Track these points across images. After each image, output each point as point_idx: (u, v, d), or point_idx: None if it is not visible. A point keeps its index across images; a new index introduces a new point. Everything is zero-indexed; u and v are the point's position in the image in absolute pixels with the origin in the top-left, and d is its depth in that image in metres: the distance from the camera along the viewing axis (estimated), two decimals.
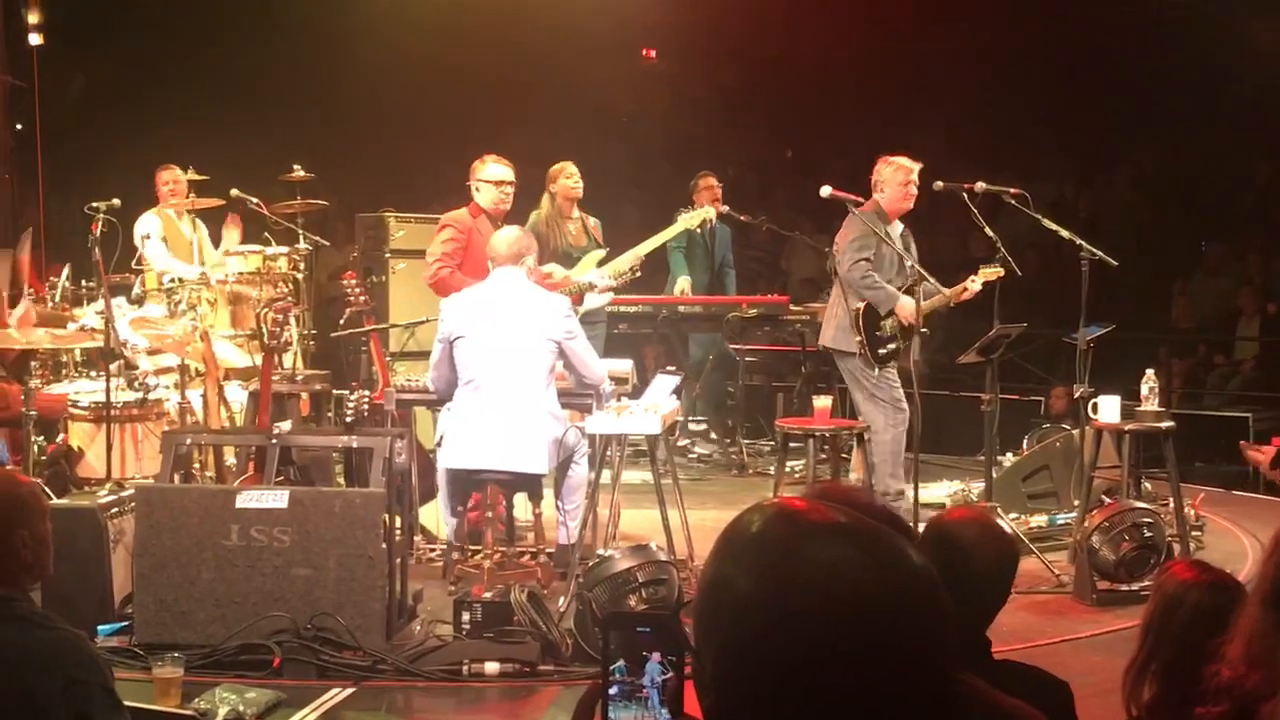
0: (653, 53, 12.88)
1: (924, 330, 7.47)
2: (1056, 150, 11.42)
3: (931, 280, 7.59)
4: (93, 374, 8.14)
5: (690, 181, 10.16)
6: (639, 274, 7.96)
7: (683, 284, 9.81)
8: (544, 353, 6.31)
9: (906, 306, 7.36)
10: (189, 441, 5.94)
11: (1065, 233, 7.69)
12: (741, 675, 1.31)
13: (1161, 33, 10.95)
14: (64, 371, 8.33)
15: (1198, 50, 10.75)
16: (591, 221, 8.41)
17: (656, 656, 2.95)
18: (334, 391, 7.82)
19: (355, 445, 5.64)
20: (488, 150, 8.11)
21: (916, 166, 7.65)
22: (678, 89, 11.79)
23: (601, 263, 8.04)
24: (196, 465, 7.05)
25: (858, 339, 7.37)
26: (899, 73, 11.52)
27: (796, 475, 8.31)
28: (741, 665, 1.31)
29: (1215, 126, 11.31)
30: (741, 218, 10.44)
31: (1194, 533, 7.61)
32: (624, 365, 8.78)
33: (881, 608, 1.28)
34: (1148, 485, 8.13)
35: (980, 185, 7.64)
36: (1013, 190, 7.72)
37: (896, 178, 7.58)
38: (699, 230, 10.20)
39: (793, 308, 9.94)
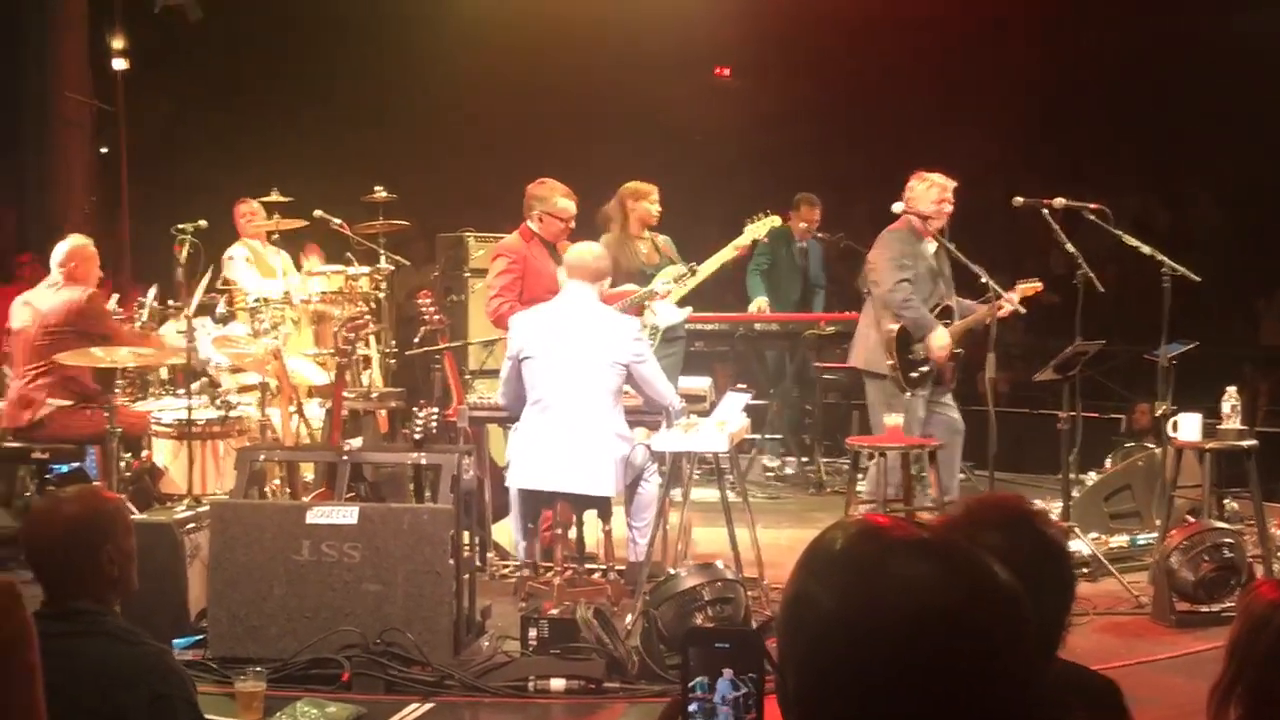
0: (726, 71, 12.88)
1: (958, 351, 7.42)
2: (1138, 164, 11.25)
3: (966, 301, 7.54)
4: (178, 392, 8.30)
5: (790, 198, 10.18)
6: (695, 269, 7.89)
7: (759, 303, 9.79)
8: (611, 374, 6.31)
9: (937, 345, 7.27)
10: (262, 458, 6.03)
11: (1146, 248, 7.57)
12: (824, 692, 1.32)
13: (1245, 46, 10.76)
14: (150, 390, 8.50)
15: None
16: (661, 239, 8.40)
17: (729, 673, 2.94)
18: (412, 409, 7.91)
19: (423, 462, 5.69)
20: (560, 170, 8.16)
21: (952, 184, 7.56)
22: (751, 106, 11.79)
23: (679, 278, 8.05)
24: (276, 481, 7.16)
25: (889, 362, 7.29)
26: (976, 86, 11.41)
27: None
28: (824, 682, 1.32)
29: None
30: (820, 235, 10.43)
31: (1279, 553, 7.46)
32: (702, 383, 8.80)
33: (965, 624, 1.28)
34: (1233, 505, 7.98)
35: (1060, 200, 7.55)
36: (1093, 205, 7.61)
37: (930, 195, 7.49)
38: (790, 249, 10.25)
39: None
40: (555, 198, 7.50)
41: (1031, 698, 1.32)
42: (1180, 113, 11.22)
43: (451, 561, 5.39)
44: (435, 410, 5.66)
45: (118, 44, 10.10)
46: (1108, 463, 8.65)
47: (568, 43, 11.40)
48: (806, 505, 9.41)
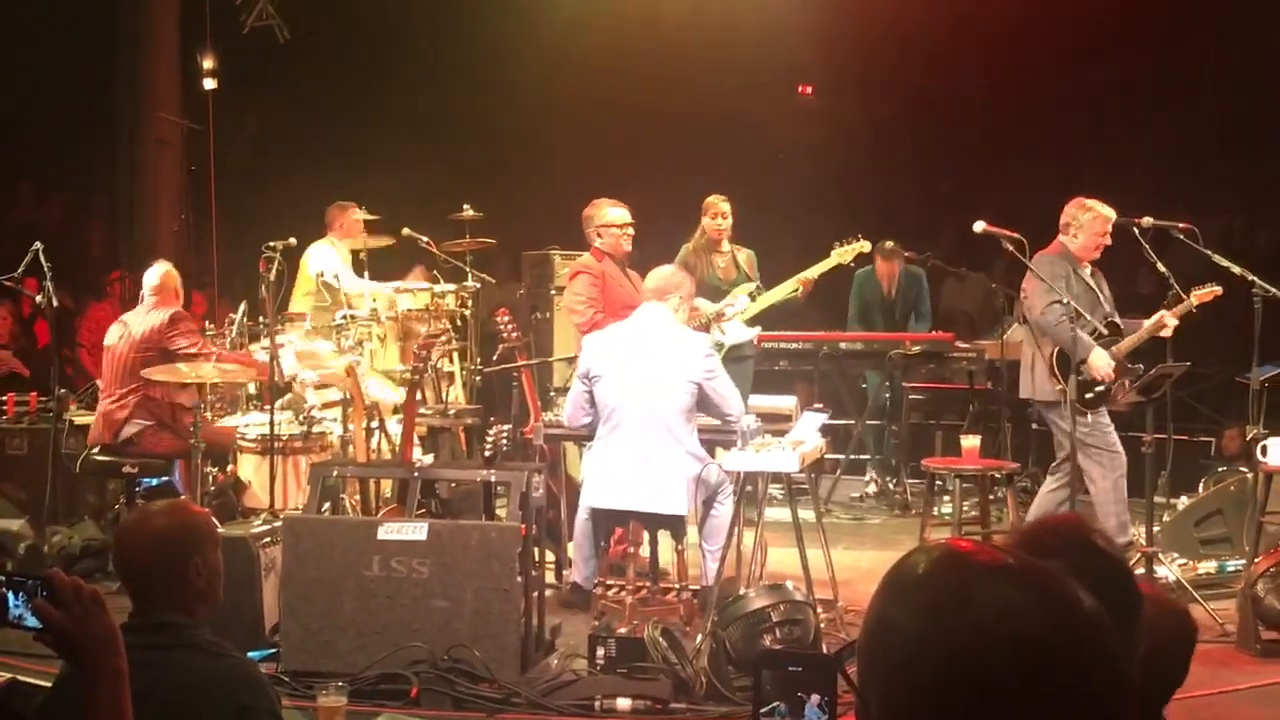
0: (809, 89, 12.84)
1: (1138, 366, 7.24)
2: (1226, 183, 11.02)
3: (1131, 321, 7.39)
4: (265, 407, 8.43)
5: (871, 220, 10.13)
6: (760, 289, 7.88)
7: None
8: (683, 393, 6.30)
9: (1099, 365, 7.11)
10: (335, 473, 6.11)
11: (1237, 268, 7.42)
12: (908, 713, 1.31)
13: None
14: (239, 405, 8.65)
15: None
16: (744, 254, 8.39)
17: (815, 699, 2.94)
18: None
19: (493, 479, 5.72)
20: (643, 188, 8.21)
21: (1114, 216, 7.41)
22: (834, 124, 11.73)
23: (755, 294, 8.05)
24: (358, 496, 7.25)
25: (1059, 387, 7.13)
26: (1060, 103, 11.26)
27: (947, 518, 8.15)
28: (909, 707, 1.31)
29: None
30: (906, 254, 10.34)
31: None
32: (787, 402, 8.76)
33: (1050, 650, 1.27)
34: None
35: (1148, 220, 7.42)
36: (1181, 225, 7.48)
37: (1094, 226, 7.32)
38: (879, 292, 10.21)
39: (959, 345, 9.79)
40: (604, 210, 7.63)
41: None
42: (1269, 127, 11.00)
43: (520, 579, 5.40)
44: (506, 428, 5.68)
45: (208, 64, 10.32)
46: (1201, 487, 8.47)
47: (651, 62, 11.43)
48: (890, 527, 9.33)
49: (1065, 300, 7.15)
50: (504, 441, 5.66)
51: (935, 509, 8.00)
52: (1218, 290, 7.28)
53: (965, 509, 7.26)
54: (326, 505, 5.91)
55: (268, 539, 5.88)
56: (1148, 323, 7.32)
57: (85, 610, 2.18)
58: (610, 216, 7.61)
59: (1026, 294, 7.24)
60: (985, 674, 1.26)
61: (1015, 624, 1.28)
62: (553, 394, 8.25)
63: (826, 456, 10.35)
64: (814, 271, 8.20)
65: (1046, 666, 1.27)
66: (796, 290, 8.12)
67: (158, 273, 7.73)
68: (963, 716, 1.27)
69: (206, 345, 7.56)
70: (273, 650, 5.65)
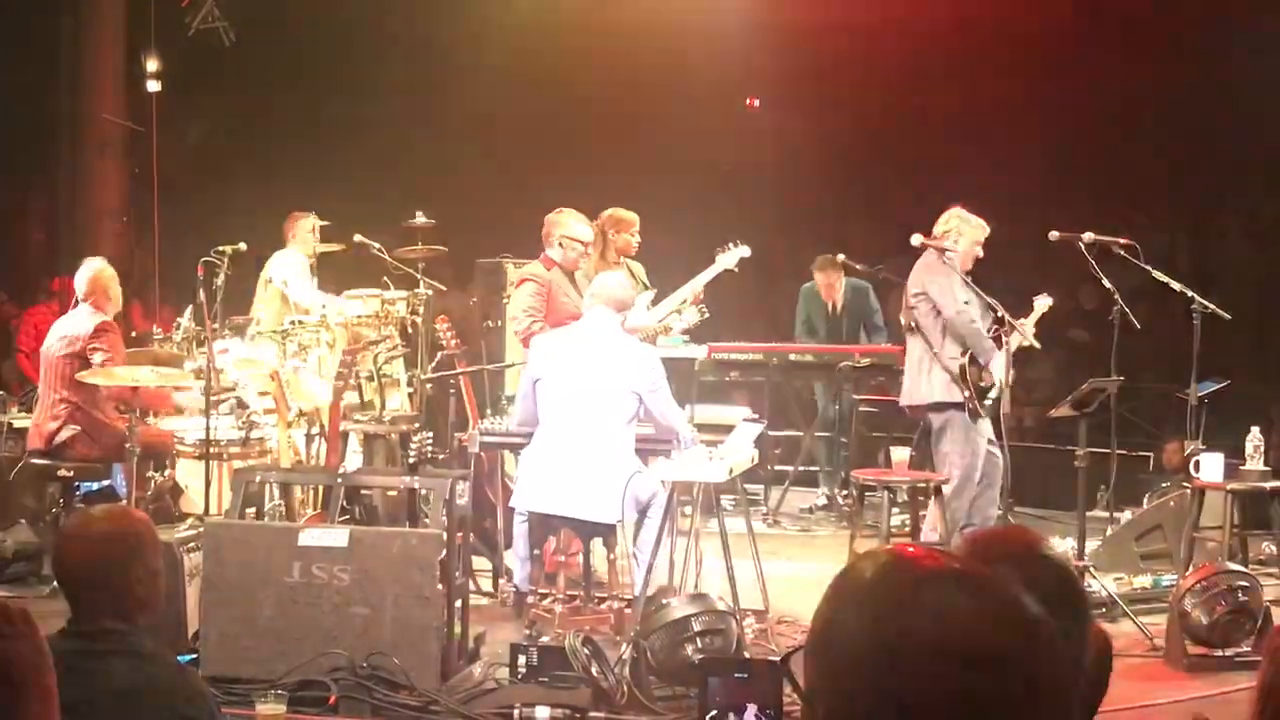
0: (756, 101, 12.87)
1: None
2: (1166, 200, 11.11)
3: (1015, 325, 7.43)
4: (212, 413, 8.38)
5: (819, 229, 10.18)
6: (707, 315, 7.90)
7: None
8: (625, 402, 6.27)
9: (1001, 369, 7.14)
10: (258, 479, 6.07)
11: (1177, 284, 7.47)
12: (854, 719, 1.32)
13: (1277, 78, 10.65)
14: (185, 410, 8.60)
15: None
16: (636, 266, 8.39)
17: (753, 709, 2.93)
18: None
19: (416, 486, 5.70)
20: (594, 197, 8.19)
21: (988, 230, 7.46)
22: (781, 137, 11.77)
23: (652, 304, 8.06)
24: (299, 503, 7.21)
25: (966, 393, 7.15)
26: (1007, 121, 11.33)
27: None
28: (855, 711, 1.31)
29: None
30: (858, 266, 10.36)
31: None
32: (738, 413, 8.77)
33: (997, 656, 1.28)
34: (1272, 548, 7.81)
35: (1089, 235, 7.46)
36: (1122, 240, 7.52)
37: (975, 235, 7.37)
38: (824, 308, 10.22)
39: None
40: (574, 224, 7.57)
41: None
42: (1209, 145, 11.10)
43: (441, 587, 5.38)
44: (429, 435, 5.66)
45: (152, 66, 10.26)
46: (1145, 502, 8.51)
47: (602, 72, 11.45)
48: (838, 539, 9.28)
49: (968, 300, 7.20)
50: (428, 449, 5.63)
51: (886, 521, 7.97)
52: (1049, 301, 7.35)
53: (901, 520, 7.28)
54: (250, 510, 5.87)
55: (193, 544, 5.84)
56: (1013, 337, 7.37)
57: (14, 630, 2.15)
58: (576, 232, 7.55)
59: (923, 295, 7.21)
60: (932, 679, 1.27)
61: (962, 629, 1.29)
62: (505, 401, 8.24)
63: (775, 468, 10.48)
64: (700, 280, 8.20)
65: (993, 672, 1.27)
66: (686, 301, 8.10)
67: (88, 272, 7.59)
68: (906, 718, 1.28)
69: (112, 365, 7.39)
70: (193, 656, 5.61)
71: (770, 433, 10.32)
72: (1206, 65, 11.05)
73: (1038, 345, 7.39)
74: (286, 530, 5.57)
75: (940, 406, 7.28)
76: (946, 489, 6.97)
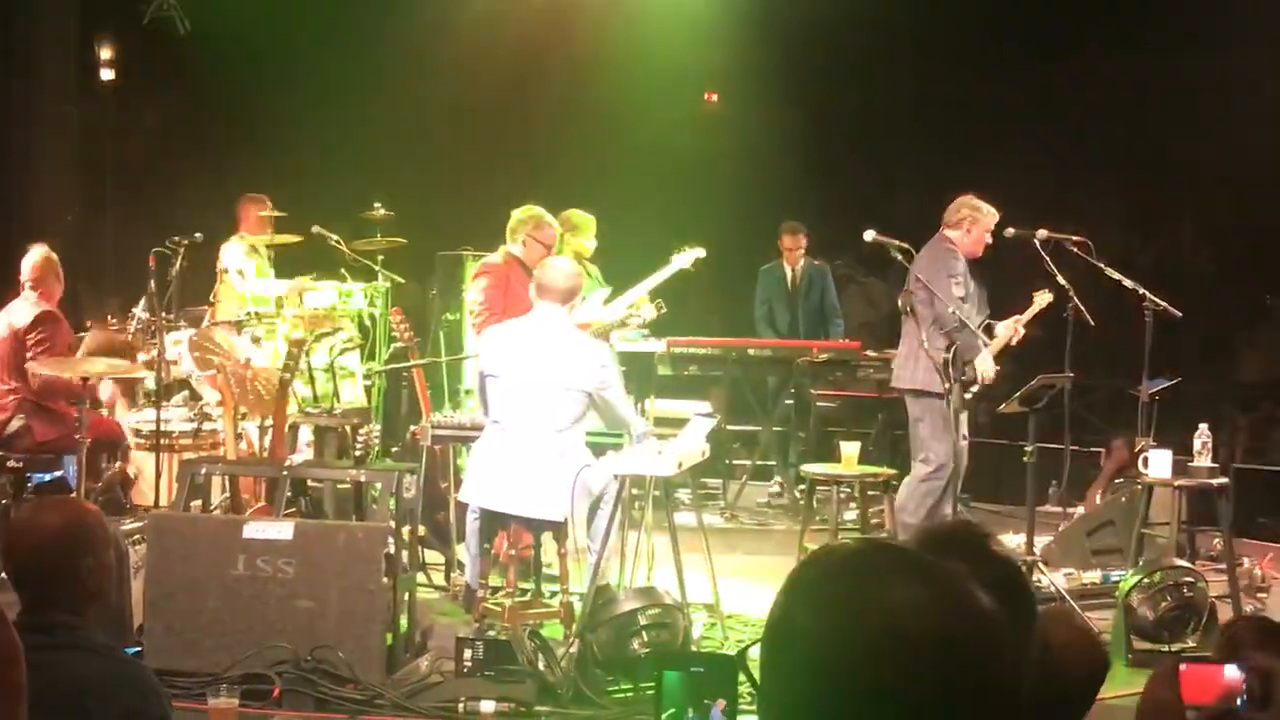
0: (714, 96, 12.87)
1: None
2: (1120, 200, 11.20)
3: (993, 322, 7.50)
4: (164, 404, 8.34)
5: (776, 224, 10.20)
6: (664, 310, 7.90)
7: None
8: (574, 400, 6.19)
9: (985, 368, 7.20)
10: (204, 471, 6.04)
11: (1129, 282, 7.51)
12: (809, 714, 1.32)
13: (1231, 81, 10.76)
14: (136, 400, 8.56)
15: (1265, 100, 10.52)
16: (591, 267, 8.38)
17: (721, 704, 2.91)
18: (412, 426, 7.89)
19: (362, 479, 5.68)
20: (555, 193, 8.18)
21: (998, 217, 7.52)
22: (740, 133, 11.79)
23: (607, 301, 8.06)
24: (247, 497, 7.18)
25: (946, 385, 7.16)
26: (963, 117, 11.40)
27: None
28: (811, 704, 1.32)
29: None
30: (816, 263, 10.40)
31: (1259, 593, 7.34)
32: (697, 407, 8.77)
33: (951, 648, 1.29)
34: (1219, 544, 7.87)
35: (1043, 232, 7.52)
36: (1075, 238, 7.57)
37: (986, 222, 7.45)
38: (783, 283, 10.27)
39: (867, 354, 9.84)
40: (542, 224, 7.54)
41: None
42: (1163, 146, 11.20)
43: (387, 580, 5.36)
44: (376, 427, 5.64)
45: (105, 54, 10.17)
46: (1097, 498, 8.57)
47: (561, 65, 11.44)
48: (795, 534, 9.33)
49: (964, 296, 7.24)
50: (375, 441, 5.62)
51: (841, 516, 8.00)
52: (1050, 297, 7.41)
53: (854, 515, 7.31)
54: (196, 502, 5.85)
55: (139, 536, 5.80)
56: (1002, 328, 7.42)
57: None
58: (543, 234, 7.52)
59: (928, 286, 7.23)
60: (886, 671, 1.28)
61: (916, 622, 1.29)
62: (463, 394, 8.21)
63: (734, 463, 10.51)
64: (655, 279, 8.21)
65: (946, 664, 1.28)
66: (638, 302, 8.09)
67: (33, 258, 7.51)
68: (864, 713, 1.29)
69: (48, 356, 7.33)
70: (138, 649, 5.58)
71: (729, 427, 10.38)
72: (1163, 63, 11.14)
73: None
74: (231, 523, 5.55)
75: (922, 394, 7.28)
76: (923, 469, 7.01)
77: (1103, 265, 7.52)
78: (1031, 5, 11.01)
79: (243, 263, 9.05)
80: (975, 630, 1.31)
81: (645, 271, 8.32)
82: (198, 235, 8.43)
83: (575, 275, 6.48)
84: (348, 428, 6.92)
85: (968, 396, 7.27)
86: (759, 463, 10.41)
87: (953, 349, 7.16)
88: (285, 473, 5.63)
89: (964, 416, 7.36)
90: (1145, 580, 6.28)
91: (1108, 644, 6.35)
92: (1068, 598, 6.78)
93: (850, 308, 11.03)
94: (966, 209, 7.48)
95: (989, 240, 7.50)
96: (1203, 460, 6.92)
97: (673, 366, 9.64)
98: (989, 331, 7.49)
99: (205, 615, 5.39)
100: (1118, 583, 7.24)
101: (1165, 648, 6.24)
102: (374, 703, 5.25)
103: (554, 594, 6.59)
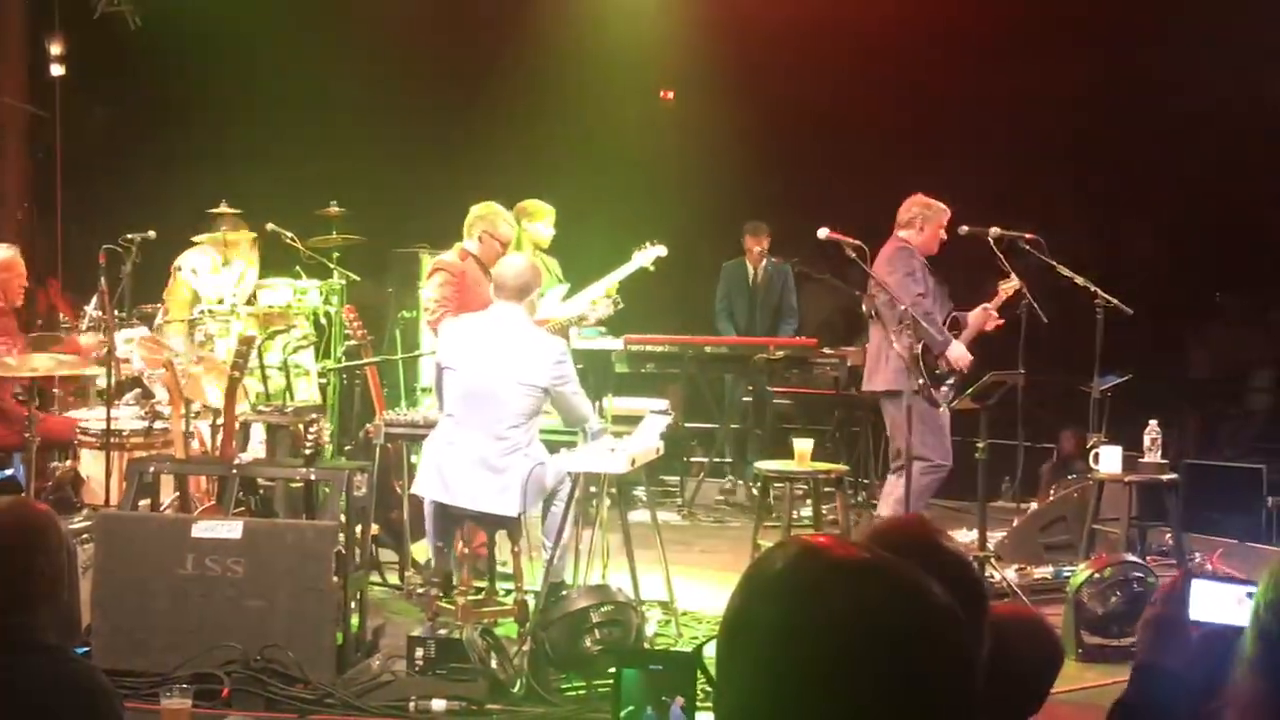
0: (670, 94, 12.89)
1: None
2: (1073, 198, 11.29)
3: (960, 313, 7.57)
4: (116, 402, 8.28)
5: (733, 222, 10.25)
6: (621, 305, 7.91)
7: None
8: (529, 396, 6.17)
9: (958, 356, 7.25)
10: (152, 469, 6.00)
11: (1081, 279, 7.57)
12: (766, 709, 1.32)
13: (1183, 80, 10.88)
14: (88, 398, 8.49)
15: (1216, 100, 10.64)
16: (550, 260, 8.38)
17: (680, 701, 2.89)
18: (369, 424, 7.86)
19: (313, 478, 5.66)
20: (510, 189, 8.17)
21: (949, 213, 7.58)
22: (696, 130, 11.81)
23: (565, 298, 8.05)
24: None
25: (920, 381, 7.18)
26: (917, 115, 11.46)
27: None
28: (767, 701, 1.32)
29: (1232, 177, 11.23)
30: (777, 262, 10.43)
31: None
32: (655, 405, 8.77)
33: (907, 643, 1.30)
34: (1169, 538, 7.95)
35: (995, 230, 7.58)
36: (1028, 235, 7.63)
37: (938, 219, 7.52)
38: (745, 280, 10.32)
39: (824, 351, 9.88)
40: (498, 221, 7.53)
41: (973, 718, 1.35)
42: (1116, 145, 11.30)
43: (337, 579, 5.34)
44: (328, 426, 5.61)
45: (55, 49, 10.08)
46: (1052, 493, 8.62)
47: (516, 61, 11.40)
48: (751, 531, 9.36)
49: (924, 292, 7.28)
50: (326, 439, 5.59)
51: (798, 513, 8.01)
52: (1017, 284, 7.46)
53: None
54: (145, 501, 5.80)
55: (87, 535, 5.75)
56: (973, 317, 7.49)
57: None
58: (500, 230, 7.52)
59: (888, 286, 7.25)
60: (843, 666, 1.29)
61: (872, 617, 1.30)
62: (419, 392, 8.17)
63: (692, 460, 10.52)
64: (615, 276, 8.21)
65: (903, 659, 1.29)
66: (598, 298, 8.09)
67: None
68: (821, 708, 1.29)
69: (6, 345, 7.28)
70: (85, 649, 5.53)
71: (686, 425, 10.40)
72: (1116, 61, 11.23)
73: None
74: (179, 522, 5.51)
75: (894, 394, 7.30)
76: (919, 466, 7.05)
77: (1054, 262, 7.59)
78: (984, 3, 11.06)
79: (196, 262, 8.99)
80: (932, 625, 1.32)
81: (603, 269, 8.32)
82: (150, 232, 8.37)
83: (529, 271, 6.46)
84: (300, 426, 6.88)
85: (945, 389, 7.30)
86: (716, 460, 10.43)
87: (921, 345, 7.21)
88: (234, 471, 5.59)
89: (946, 412, 7.39)
90: (1095, 575, 6.33)
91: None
92: (1019, 593, 6.84)
93: (807, 305, 11.08)
94: (917, 208, 7.55)
95: (944, 236, 7.54)
96: (1153, 456, 6.98)
97: (630, 364, 9.63)
98: (955, 325, 7.55)
99: (154, 615, 5.35)
100: (1069, 578, 7.31)
101: (1115, 642, 6.30)
102: (324, 702, 5.23)
103: (508, 592, 6.56)
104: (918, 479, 7.11)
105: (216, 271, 9.09)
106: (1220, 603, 2.62)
